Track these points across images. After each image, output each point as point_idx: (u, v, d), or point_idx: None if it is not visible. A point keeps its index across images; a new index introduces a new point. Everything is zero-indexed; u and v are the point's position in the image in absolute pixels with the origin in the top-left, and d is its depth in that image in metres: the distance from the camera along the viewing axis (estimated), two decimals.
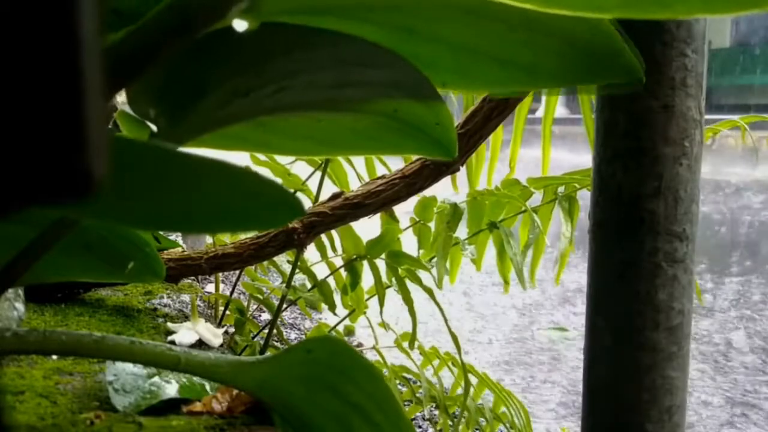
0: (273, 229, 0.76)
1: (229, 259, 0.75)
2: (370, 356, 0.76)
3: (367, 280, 0.81)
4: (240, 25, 0.22)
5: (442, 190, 0.77)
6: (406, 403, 0.90)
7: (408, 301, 0.77)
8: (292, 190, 0.83)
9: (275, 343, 0.86)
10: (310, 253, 0.85)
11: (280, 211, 0.21)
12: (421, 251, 0.84)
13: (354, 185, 0.79)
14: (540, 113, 0.85)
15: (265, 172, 0.83)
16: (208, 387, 0.54)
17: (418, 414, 1.13)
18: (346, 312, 0.87)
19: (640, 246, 0.40)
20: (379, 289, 0.79)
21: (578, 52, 0.31)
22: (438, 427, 1.03)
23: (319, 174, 0.81)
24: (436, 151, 0.37)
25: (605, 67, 0.31)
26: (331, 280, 0.82)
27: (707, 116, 0.42)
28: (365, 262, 0.79)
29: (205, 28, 0.22)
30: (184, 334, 0.68)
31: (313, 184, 0.82)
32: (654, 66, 0.38)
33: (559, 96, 0.81)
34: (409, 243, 0.82)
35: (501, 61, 0.32)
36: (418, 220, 0.83)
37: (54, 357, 0.59)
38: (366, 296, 0.84)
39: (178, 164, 0.18)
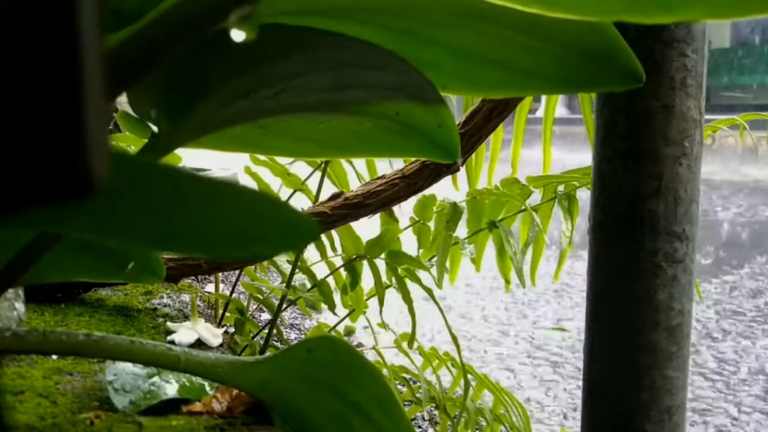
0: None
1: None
2: (370, 356, 0.76)
3: (366, 279, 0.81)
4: (238, 35, 0.22)
5: (442, 189, 0.77)
6: (406, 403, 0.90)
7: (407, 300, 0.77)
8: (292, 190, 0.83)
9: (275, 343, 0.86)
10: (310, 253, 0.85)
11: (293, 234, 0.21)
12: (421, 251, 0.84)
13: (354, 185, 0.79)
14: (540, 113, 0.85)
15: (265, 171, 0.83)
16: (208, 387, 0.54)
17: (417, 414, 1.13)
18: (346, 312, 0.87)
19: (640, 246, 0.40)
20: (379, 289, 0.79)
21: (578, 56, 0.31)
22: (439, 428, 1.03)
23: (318, 174, 0.81)
24: (437, 153, 0.37)
25: (605, 70, 0.31)
26: (330, 280, 0.82)
27: (707, 116, 0.42)
28: (365, 262, 0.79)
29: (208, 30, 0.22)
30: (184, 334, 0.68)
31: (312, 184, 0.82)
32: (654, 66, 0.38)
33: (559, 96, 0.82)
34: (408, 243, 0.82)
35: (502, 64, 0.32)
36: (417, 219, 0.83)
37: (54, 357, 0.59)
38: (366, 296, 0.84)
39: (188, 186, 0.18)
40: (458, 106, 0.79)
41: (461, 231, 0.85)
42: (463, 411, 0.79)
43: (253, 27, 0.22)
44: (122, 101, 0.32)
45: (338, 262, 0.81)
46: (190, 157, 0.80)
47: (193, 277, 0.98)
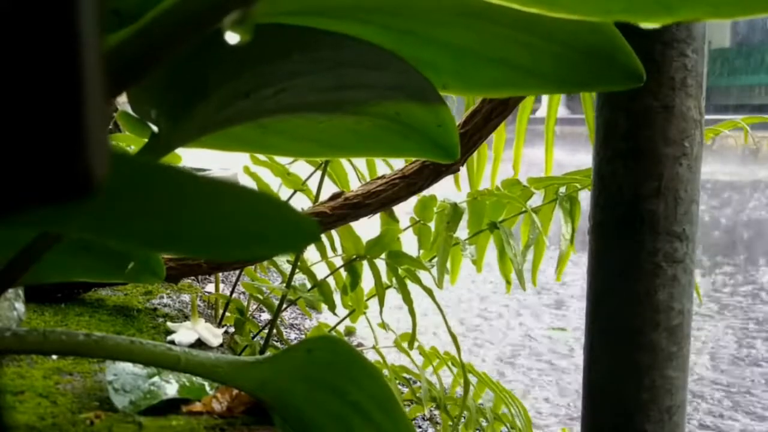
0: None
1: None
2: (371, 356, 0.76)
3: (367, 280, 0.81)
4: (232, 37, 0.22)
5: (442, 189, 0.77)
6: (407, 403, 0.90)
7: (408, 301, 0.77)
8: (292, 190, 0.83)
9: (275, 343, 0.86)
10: (310, 253, 0.85)
11: (293, 235, 0.21)
12: (421, 251, 0.84)
13: (354, 185, 0.80)
14: (541, 113, 0.85)
15: (265, 171, 0.83)
16: (208, 387, 0.54)
17: (418, 414, 1.13)
18: (346, 312, 0.87)
19: (640, 246, 0.40)
20: (379, 289, 0.79)
21: (578, 54, 0.31)
22: (440, 428, 1.03)
23: (319, 174, 0.81)
24: (437, 153, 0.37)
25: (605, 69, 0.31)
26: (331, 280, 0.82)
27: (707, 116, 0.42)
28: (365, 262, 0.79)
29: (208, 30, 0.22)
30: (184, 334, 0.68)
31: (312, 184, 0.82)
32: (654, 66, 0.38)
33: (560, 96, 0.81)
34: (409, 243, 0.82)
35: (501, 62, 0.32)
36: (418, 219, 0.83)
37: (54, 357, 0.59)
38: (366, 296, 0.84)
39: (188, 186, 0.18)
40: (459, 107, 0.79)
41: (462, 232, 0.85)
42: (463, 410, 0.79)
43: (248, 29, 0.22)
44: (122, 101, 0.32)
45: (338, 262, 0.81)
46: (190, 157, 0.80)
47: (193, 277, 0.98)
